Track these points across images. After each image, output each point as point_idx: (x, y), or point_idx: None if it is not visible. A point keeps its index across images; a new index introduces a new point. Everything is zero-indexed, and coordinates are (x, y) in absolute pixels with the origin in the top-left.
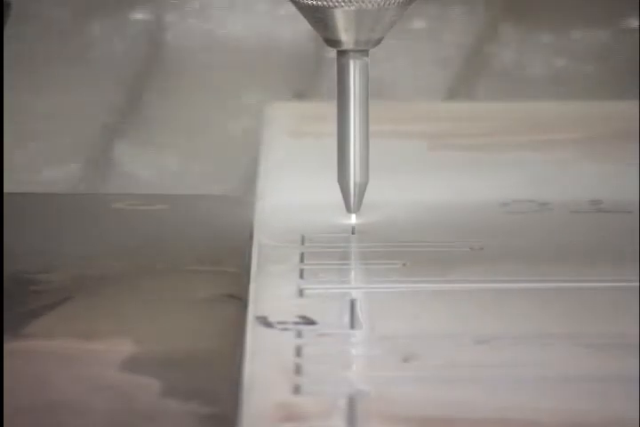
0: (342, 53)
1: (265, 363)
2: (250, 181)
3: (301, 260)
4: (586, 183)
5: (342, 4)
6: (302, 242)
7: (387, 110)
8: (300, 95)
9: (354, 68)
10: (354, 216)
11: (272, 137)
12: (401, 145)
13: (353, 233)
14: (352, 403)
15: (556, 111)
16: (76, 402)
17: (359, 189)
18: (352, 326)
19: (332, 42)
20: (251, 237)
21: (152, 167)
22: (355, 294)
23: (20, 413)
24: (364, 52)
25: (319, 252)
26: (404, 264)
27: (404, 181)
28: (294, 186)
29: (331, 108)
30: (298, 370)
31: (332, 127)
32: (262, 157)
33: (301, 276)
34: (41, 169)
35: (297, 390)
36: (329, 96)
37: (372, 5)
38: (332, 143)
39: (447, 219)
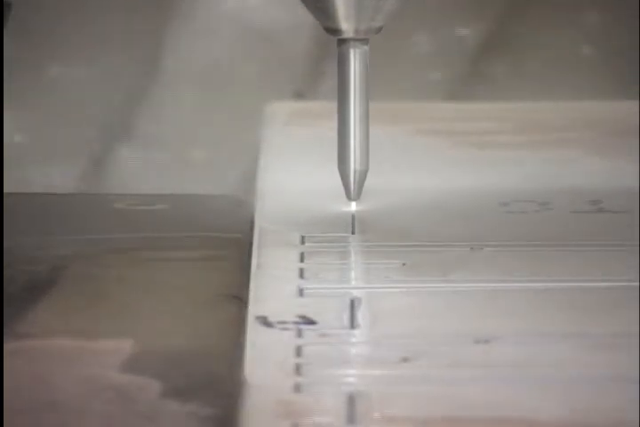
0: (342, 42)
1: (265, 363)
2: (250, 180)
3: (301, 259)
4: (586, 183)
5: None
6: (302, 241)
7: (387, 110)
8: (300, 95)
9: (354, 57)
10: (354, 204)
11: (272, 136)
12: (400, 144)
13: (353, 233)
14: (352, 402)
15: (556, 111)
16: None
17: (359, 176)
18: (352, 325)
19: (333, 31)
20: (251, 235)
21: (152, 167)
22: (355, 293)
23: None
24: (365, 41)
25: (319, 251)
26: (403, 264)
27: (403, 180)
28: (294, 185)
29: (330, 108)
30: (298, 370)
31: (332, 126)
32: (262, 156)
33: (301, 275)
34: (41, 169)
35: (297, 389)
36: (328, 95)
37: None
38: (332, 142)
39: (446, 218)
